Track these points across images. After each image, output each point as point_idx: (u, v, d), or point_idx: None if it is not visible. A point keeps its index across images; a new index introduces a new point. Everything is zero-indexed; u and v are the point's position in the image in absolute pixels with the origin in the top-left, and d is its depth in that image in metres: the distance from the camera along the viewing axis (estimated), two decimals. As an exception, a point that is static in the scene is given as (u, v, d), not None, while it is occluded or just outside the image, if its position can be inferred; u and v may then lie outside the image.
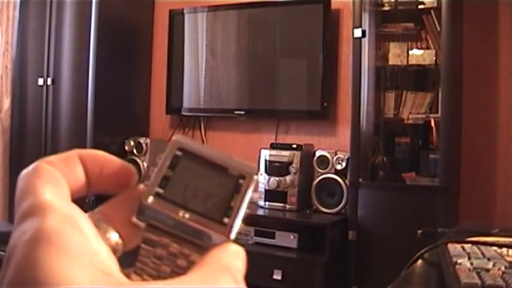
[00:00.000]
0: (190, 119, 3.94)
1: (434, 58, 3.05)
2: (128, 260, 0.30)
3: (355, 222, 2.97)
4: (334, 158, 3.14)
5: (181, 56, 3.90)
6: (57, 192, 0.25)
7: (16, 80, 4.11)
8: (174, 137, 0.30)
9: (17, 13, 4.10)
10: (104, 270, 0.23)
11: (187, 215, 0.28)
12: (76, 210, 0.25)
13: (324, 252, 2.93)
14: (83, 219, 0.25)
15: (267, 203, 3.24)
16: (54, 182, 0.26)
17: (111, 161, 0.29)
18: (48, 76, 3.95)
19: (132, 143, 3.79)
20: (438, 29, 2.98)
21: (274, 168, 3.22)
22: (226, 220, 0.28)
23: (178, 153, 0.29)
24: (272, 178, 3.22)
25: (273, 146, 3.32)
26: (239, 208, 0.28)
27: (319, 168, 3.19)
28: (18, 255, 0.22)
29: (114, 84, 3.84)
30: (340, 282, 3.02)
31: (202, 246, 0.27)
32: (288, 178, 3.20)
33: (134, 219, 0.28)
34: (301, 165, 3.20)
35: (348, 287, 2.99)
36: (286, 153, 3.22)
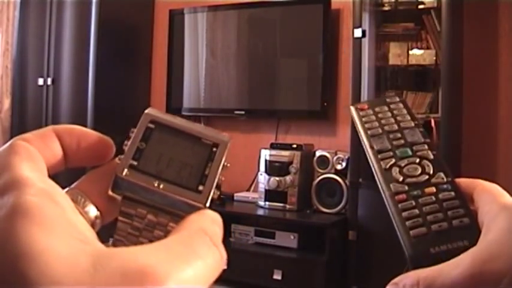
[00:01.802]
0: (191, 118, 3.92)
1: (434, 58, 3.05)
2: (105, 233, 0.30)
3: (355, 222, 2.97)
4: (334, 158, 3.14)
5: (181, 56, 3.90)
6: (33, 168, 0.25)
7: (16, 80, 4.11)
8: (146, 110, 0.30)
9: (17, 13, 4.10)
10: (82, 240, 0.23)
11: (162, 185, 0.28)
12: (52, 184, 0.25)
13: (324, 252, 2.93)
14: (59, 193, 0.25)
15: (267, 203, 3.24)
16: (30, 157, 0.26)
17: (88, 134, 0.29)
18: (48, 76, 3.95)
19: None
20: (438, 29, 2.98)
21: (274, 168, 3.22)
22: (201, 188, 0.28)
23: (151, 125, 0.30)
24: (272, 178, 3.22)
25: (273, 146, 3.32)
26: (214, 176, 0.29)
27: (319, 168, 3.19)
28: None
29: (114, 84, 3.84)
30: (340, 282, 3.02)
31: (178, 215, 0.28)
32: (288, 178, 3.20)
33: (110, 193, 0.28)
34: (301, 165, 3.20)
35: (348, 287, 2.99)
36: (286, 153, 3.22)
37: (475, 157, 3.09)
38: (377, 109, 0.49)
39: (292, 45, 3.57)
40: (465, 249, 0.36)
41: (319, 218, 3.10)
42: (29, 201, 0.23)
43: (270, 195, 3.24)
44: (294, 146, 3.25)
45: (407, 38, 3.15)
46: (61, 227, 0.23)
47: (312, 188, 3.20)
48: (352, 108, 0.50)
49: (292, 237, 3.05)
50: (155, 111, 0.30)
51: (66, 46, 3.90)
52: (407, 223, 0.39)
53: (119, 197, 0.28)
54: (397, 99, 0.50)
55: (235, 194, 3.45)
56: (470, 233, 0.38)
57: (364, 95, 3.06)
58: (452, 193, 0.41)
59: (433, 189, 0.41)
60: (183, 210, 0.28)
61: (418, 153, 0.44)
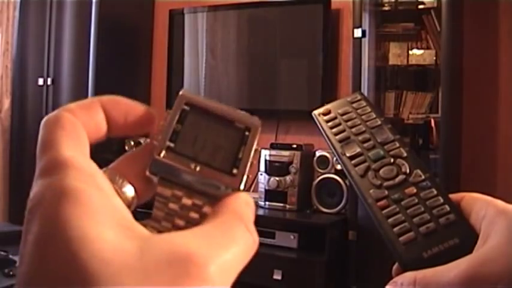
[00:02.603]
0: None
1: (434, 58, 3.05)
2: (138, 213, 0.31)
3: (355, 222, 2.97)
4: (334, 158, 3.14)
5: (181, 56, 3.90)
6: (77, 146, 0.26)
7: (16, 80, 4.11)
8: (181, 92, 0.31)
9: (17, 13, 4.10)
10: (126, 226, 0.24)
11: (198, 168, 0.29)
12: (95, 168, 0.25)
13: (324, 252, 2.92)
14: (101, 177, 0.25)
15: (267, 203, 3.24)
16: (75, 135, 0.26)
17: (134, 107, 0.30)
18: (48, 76, 3.95)
19: (132, 142, 3.79)
20: (438, 29, 2.98)
21: (274, 168, 3.22)
22: (235, 171, 0.29)
23: (186, 107, 0.30)
24: (272, 178, 3.21)
25: (273, 146, 3.32)
26: (247, 159, 0.29)
27: (319, 168, 3.19)
28: (44, 212, 0.23)
29: (114, 84, 3.84)
30: (340, 282, 3.02)
31: (214, 197, 0.28)
32: (288, 178, 3.20)
33: (147, 174, 0.29)
34: (301, 165, 3.19)
35: (348, 287, 2.99)
36: (286, 153, 3.22)
37: (474, 157, 3.09)
38: (340, 111, 0.48)
39: (292, 45, 3.56)
40: (457, 247, 0.36)
41: (319, 218, 3.10)
42: (75, 186, 0.23)
43: (270, 195, 3.24)
44: (294, 146, 3.25)
45: (407, 38, 3.15)
46: (107, 213, 0.23)
47: (312, 188, 3.20)
48: (315, 114, 0.49)
49: (292, 237, 3.05)
50: (189, 93, 0.31)
51: (66, 46, 3.90)
52: (395, 230, 0.39)
53: (155, 178, 0.29)
54: (358, 96, 0.49)
55: (235, 194, 3.44)
56: (459, 229, 0.37)
57: (364, 94, 3.06)
58: (434, 190, 0.40)
59: (413, 189, 0.40)
60: (218, 192, 0.29)
61: (391, 153, 0.43)
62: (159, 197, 0.29)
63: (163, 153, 0.29)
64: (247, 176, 0.29)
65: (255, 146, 0.30)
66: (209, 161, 0.29)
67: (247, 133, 0.30)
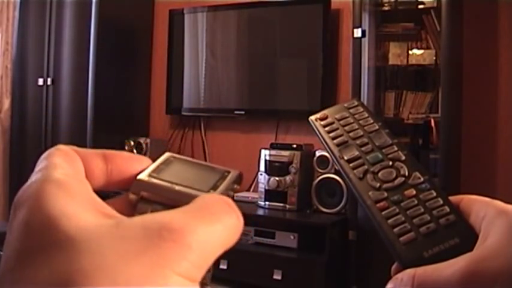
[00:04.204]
0: (190, 119, 3.94)
1: (434, 58, 3.05)
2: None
3: (355, 222, 2.97)
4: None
5: (181, 56, 3.90)
6: (69, 162, 0.28)
7: (16, 80, 4.11)
8: (166, 153, 0.33)
9: (17, 13, 4.10)
10: (105, 211, 0.25)
11: (177, 187, 0.30)
12: (81, 174, 0.28)
13: (324, 252, 2.93)
14: (84, 179, 0.27)
15: (267, 203, 3.24)
16: (68, 155, 0.28)
17: (132, 162, 0.31)
18: (48, 76, 3.95)
19: (132, 143, 3.79)
20: (438, 29, 2.98)
21: (274, 168, 3.22)
22: (212, 192, 0.30)
23: (171, 158, 0.33)
24: (272, 178, 3.22)
25: (273, 146, 3.32)
26: (224, 188, 0.31)
27: (319, 168, 3.19)
28: (30, 197, 0.24)
29: (114, 84, 3.85)
30: (340, 282, 3.02)
31: None
32: (288, 178, 3.20)
33: (129, 194, 0.30)
34: (301, 165, 3.20)
35: (348, 287, 2.99)
36: (286, 153, 3.22)
37: (474, 157, 3.09)
38: (338, 116, 0.48)
39: (292, 45, 3.56)
40: (457, 246, 0.36)
41: (319, 218, 3.10)
42: (58, 177, 0.25)
43: (270, 195, 3.24)
44: (294, 146, 3.25)
45: (407, 38, 3.15)
46: (87, 199, 0.25)
47: (312, 188, 3.20)
48: (312, 120, 0.49)
49: (292, 237, 3.05)
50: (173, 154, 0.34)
51: (66, 46, 3.90)
52: (395, 230, 0.39)
53: (136, 198, 0.30)
54: (355, 102, 0.49)
55: (235, 194, 3.44)
56: (459, 229, 0.38)
57: (364, 95, 3.07)
58: (433, 192, 0.40)
59: (413, 191, 0.41)
60: None
61: (389, 156, 0.43)
62: (139, 215, 0.29)
63: (145, 176, 0.30)
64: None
65: (233, 184, 0.31)
66: (189, 185, 0.30)
67: (226, 174, 0.32)
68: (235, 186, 0.32)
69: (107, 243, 0.22)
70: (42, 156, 0.28)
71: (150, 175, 0.30)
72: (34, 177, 0.26)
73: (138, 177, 0.30)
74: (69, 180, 0.25)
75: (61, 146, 0.29)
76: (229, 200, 0.27)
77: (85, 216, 0.24)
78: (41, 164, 0.27)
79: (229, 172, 0.32)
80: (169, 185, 0.30)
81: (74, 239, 0.22)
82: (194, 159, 0.34)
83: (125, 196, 0.31)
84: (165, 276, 0.22)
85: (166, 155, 0.33)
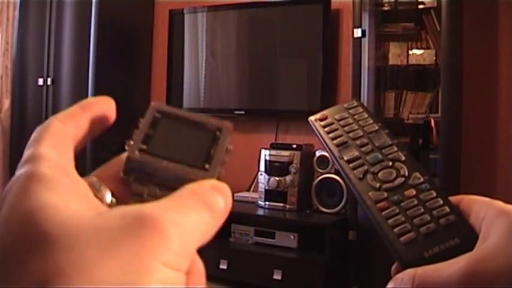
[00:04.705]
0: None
1: (434, 58, 3.05)
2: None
3: (355, 222, 2.97)
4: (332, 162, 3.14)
5: (181, 56, 3.90)
6: (57, 144, 0.27)
7: (16, 80, 4.11)
8: (152, 103, 0.32)
9: (17, 13, 4.10)
10: (89, 200, 0.25)
11: (170, 165, 0.29)
12: (67, 162, 0.27)
13: (324, 252, 2.92)
14: (71, 169, 0.27)
15: (267, 203, 3.24)
16: (58, 137, 0.28)
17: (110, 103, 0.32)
18: (48, 76, 3.95)
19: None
20: (438, 29, 2.98)
21: (274, 168, 3.22)
22: (207, 166, 0.29)
23: (158, 115, 0.31)
24: (272, 178, 3.22)
25: (273, 146, 3.32)
26: (219, 156, 0.30)
27: (319, 168, 3.19)
28: (12, 194, 0.24)
29: (114, 84, 3.84)
30: (340, 282, 3.02)
31: None
32: (288, 178, 3.20)
33: (121, 175, 0.30)
34: (301, 165, 3.20)
35: (348, 287, 2.99)
36: (286, 153, 3.22)
37: (474, 157, 3.09)
38: (337, 117, 0.48)
39: (292, 45, 3.56)
40: (457, 246, 0.36)
41: (319, 218, 3.10)
42: (43, 171, 0.25)
43: (270, 195, 3.24)
44: (294, 146, 3.25)
45: (407, 38, 3.15)
46: (70, 189, 0.25)
47: (312, 188, 3.20)
48: (311, 120, 0.49)
49: (292, 237, 3.05)
50: (161, 104, 0.32)
51: (66, 46, 3.90)
52: (395, 230, 0.39)
53: (130, 178, 0.30)
54: (355, 103, 0.49)
55: (235, 194, 3.45)
56: (459, 229, 0.38)
57: (364, 95, 3.07)
58: (433, 192, 0.40)
59: (413, 191, 0.41)
60: None
61: (389, 156, 0.44)
62: (135, 195, 0.29)
63: (136, 153, 0.29)
64: (221, 173, 0.30)
65: (226, 145, 0.31)
66: (181, 158, 0.29)
67: (218, 133, 0.31)
68: (229, 146, 0.31)
69: (86, 236, 0.22)
70: (32, 139, 0.27)
71: (140, 149, 0.30)
72: (19, 171, 0.25)
73: (129, 154, 0.30)
74: (53, 173, 0.25)
75: (51, 125, 0.28)
76: (209, 197, 0.26)
77: (65, 210, 0.23)
78: (28, 151, 0.26)
79: (220, 130, 0.31)
80: (162, 163, 0.29)
81: (51, 234, 0.22)
82: (182, 110, 0.32)
83: (119, 157, 0.31)
84: (148, 266, 0.22)
85: (153, 111, 0.31)
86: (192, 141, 0.30)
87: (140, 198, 0.29)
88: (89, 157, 3.23)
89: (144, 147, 0.30)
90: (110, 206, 0.29)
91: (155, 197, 0.28)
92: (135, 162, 0.29)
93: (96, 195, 0.28)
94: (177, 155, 0.29)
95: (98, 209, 0.25)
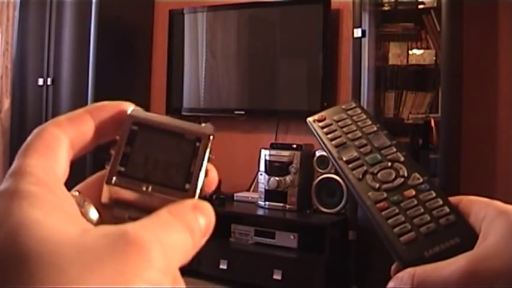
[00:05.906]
0: (190, 119, 3.93)
1: (434, 58, 3.05)
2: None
3: (355, 222, 2.97)
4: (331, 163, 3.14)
5: (181, 56, 3.90)
6: (46, 155, 0.26)
7: (16, 80, 4.11)
8: (128, 112, 0.31)
9: (17, 13, 4.10)
10: (72, 216, 0.25)
11: (150, 188, 0.29)
12: (54, 179, 0.26)
13: (324, 252, 2.93)
14: (57, 186, 0.26)
15: (267, 203, 3.24)
16: (51, 146, 0.27)
17: (119, 107, 0.31)
18: (48, 76, 3.95)
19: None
20: (438, 29, 2.98)
21: (274, 168, 3.22)
22: (187, 186, 0.29)
23: (134, 128, 0.30)
24: (272, 178, 3.22)
25: (273, 146, 3.32)
26: (198, 172, 0.29)
27: (319, 168, 3.19)
28: None
29: (114, 84, 3.84)
30: (340, 282, 3.02)
31: None
32: (288, 178, 3.20)
33: (102, 200, 0.29)
34: (301, 165, 3.20)
35: (348, 287, 2.99)
36: (286, 153, 3.22)
37: (474, 157, 3.09)
38: (336, 118, 0.48)
39: (292, 45, 3.56)
40: (458, 246, 0.36)
41: (319, 218, 3.10)
42: (26, 188, 0.24)
43: (270, 195, 3.24)
44: (294, 146, 3.25)
45: (407, 38, 3.15)
46: (53, 206, 0.24)
47: (312, 188, 3.20)
48: (310, 121, 0.49)
49: (292, 237, 3.05)
50: (137, 111, 0.31)
51: (66, 46, 3.90)
52: (395, 230, 0.39)
53: (111, 203, 0.29)
54: (353, 104, 0.49)
55: (235, 194, 3.45)
56: (459, 229, 0.38)
57: (364, 95, 3.06)
58: (433, 192, 0.40)
59: (412, 191, 0.41)
60: None
61: (388, 157, 0.44)
62: (116, 220, 0.28)
63: (114, 179, 0.29)
64: (203, 188, 0.29)
65: (207, 156, 0.30)
66: (161, 179, 0.29)
67: (197, 144, 0.30)
68: (210, 156, 0.30)
69: (68, 255, 0.22)
70: (23, 147, 0.27)
71: (119, 172, 0.29)
72: (3, 185, 0.25)
73: (108, 181, 0.29)
74: (37, 190, 0.24)
75: (45, 130, 0.28)
76: (188, 218, 0.26)
77: (48, 228, 0.23)
78: (16, 162, 0.26)
79: (200, 140, 0.30)
80: (142, 187, 0.28)
81: (33, 252, 0.22)
82: (159, 118, 0.31)
83: (97, 176, 0.30)
84: (131, 284, 0.21)
85: (129, 123, 0.30)
86: (171, 157, 0.30)
87: (122, 222, 0.28)
88: (89, 159, 3.23)
89: (123, 169, 0.29)
90: (94, 222, 0.28)
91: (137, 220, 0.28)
92: (114, 189, 0.29)
93: (82, 214, 0.27)
94: (156, 176, 0.29)
95: (82, 226, 0.25)
